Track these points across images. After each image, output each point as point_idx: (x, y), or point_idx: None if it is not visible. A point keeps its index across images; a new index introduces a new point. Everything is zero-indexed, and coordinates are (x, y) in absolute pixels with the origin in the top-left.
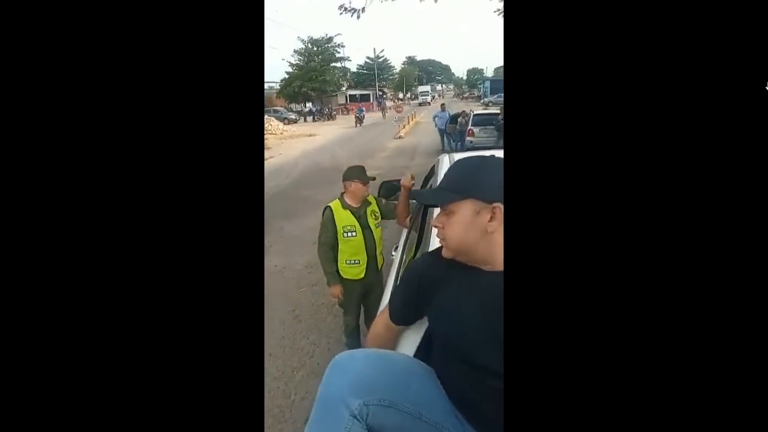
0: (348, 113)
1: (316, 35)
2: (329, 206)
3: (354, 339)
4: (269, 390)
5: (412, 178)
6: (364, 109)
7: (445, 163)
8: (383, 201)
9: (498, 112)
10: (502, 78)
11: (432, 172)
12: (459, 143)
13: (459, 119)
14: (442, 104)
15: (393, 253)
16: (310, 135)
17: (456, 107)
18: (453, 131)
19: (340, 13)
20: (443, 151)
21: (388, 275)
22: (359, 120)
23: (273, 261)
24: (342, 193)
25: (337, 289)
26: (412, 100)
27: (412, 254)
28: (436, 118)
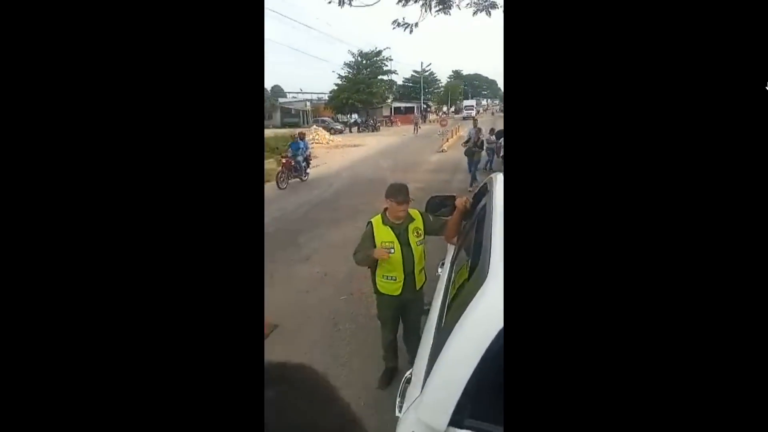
0: (392, 125)
1: (366, 48)
2: (371, 222)
3: (391, 353)
4: None
5: (468, 200)
6: (303, 144)
7: (498, 181)
8: (431, 217)
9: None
10: None
11: (485, 189)
12: (489, 163)
13: (489, 136)
14: (474, 120)
15: (439, 269)
16: (355, 145)
17: (500, 123)
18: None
19: (393, 28)
20: (488, 170)
21: (435, 292)
22: (288, 171)
23: (315, 268)
24: (385, 209)
25: (379, 252)
26: (456, 114)
27: (465, 276)
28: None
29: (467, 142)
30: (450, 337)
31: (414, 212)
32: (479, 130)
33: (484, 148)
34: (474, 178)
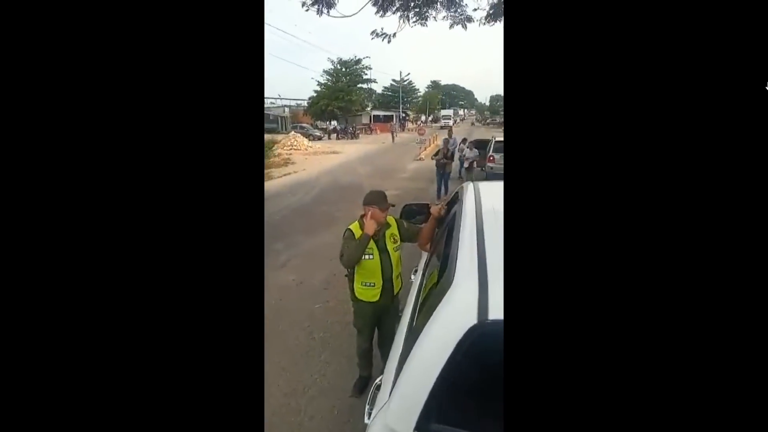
0: (371, 133)
1: (346, 57)
2: (349, 228)
3: (366, 361)
4: (280, 405)
5: (442, 208)
6: None
7: (469, 190)
8: (405, 224)
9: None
10: None
11: (456, 198)
12: (461, 171)
13: (460, 145)
14: (450, 130)
15: (412, 276)
16: (333, 152)
17: (478, 133)
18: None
19: (372, 38)
20: (462, 178)
21: (406, 299)
22: None
23: (290, 275)
24: (361, 216)
25: (373, 216)
26: (434, 123)
27: (434, 281)
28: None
29: (437, 153)
30: (416, 343)
31: (390, 219)
32: (447, 141)
33: (455, 158)
34: (446, 189)
